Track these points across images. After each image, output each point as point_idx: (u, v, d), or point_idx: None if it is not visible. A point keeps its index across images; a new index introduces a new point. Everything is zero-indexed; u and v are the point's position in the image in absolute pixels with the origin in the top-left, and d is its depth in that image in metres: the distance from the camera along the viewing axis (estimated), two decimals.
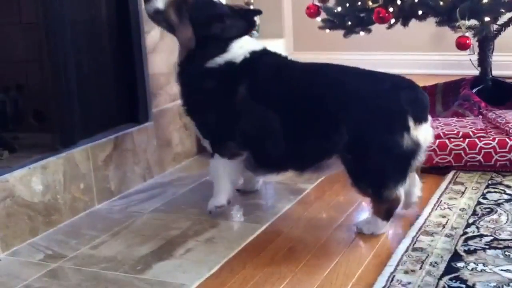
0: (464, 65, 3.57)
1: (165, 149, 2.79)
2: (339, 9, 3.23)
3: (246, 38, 2.23)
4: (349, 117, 2.02)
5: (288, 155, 2.16)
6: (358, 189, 2.09)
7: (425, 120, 2.06)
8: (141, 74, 2.67)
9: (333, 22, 3.28)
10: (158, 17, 2.24)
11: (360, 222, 2.13)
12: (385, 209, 2.07)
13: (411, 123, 2.00)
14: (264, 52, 2.25)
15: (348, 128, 2.02)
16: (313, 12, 3.37)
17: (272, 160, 2.23)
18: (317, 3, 3.35)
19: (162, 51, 2.76)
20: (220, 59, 2.19)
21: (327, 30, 3.34)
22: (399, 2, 2.99)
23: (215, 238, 2.11)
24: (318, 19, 3.38)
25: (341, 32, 3.31)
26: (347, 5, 3.19)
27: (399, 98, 2.02)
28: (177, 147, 2.87)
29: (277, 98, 2.14)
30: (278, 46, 4.72)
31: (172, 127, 2.84)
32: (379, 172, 2.04)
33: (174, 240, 2.10)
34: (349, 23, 3.19)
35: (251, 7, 4.51)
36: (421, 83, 2.30)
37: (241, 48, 2.19)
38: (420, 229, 2.07)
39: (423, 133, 2.04)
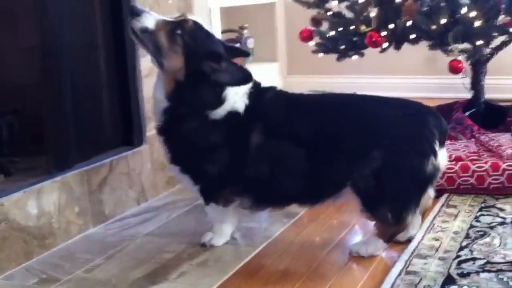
0: (457, 88, 3.60)
1: (159, 173, 2.80)
2: (332, 33, 3.26)
3: None
4: (381, 142, 2.01)
5: (304, 190, 2.11)
6: (375, 214, 2.07)
7: (444, 144, 2.10)
8: (136, 97, 2.69)
9: (326, 46, 3.31)
10: (144, 36, 2.01)
11: (356, 244, 2.14)
12: (392, 232, 2.09)
13: (437, 147, 2.04)
14: (260, 90, 2.12)
15: (380, 154, 2.00)
16: (306, 36, 3.40)
17: (281, 198, 2.17)
18: (310, 27, 3.39)
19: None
20: (222, 110, 2.04)
21: (321, 54, 3.37)
22: (391, 26, 3.02)
23: (208, 261, 2.11)
24: (312, 43, 3.42)
25: (334, 56, 3.34)
26: (340, 29, 3.22)
27: (428, 123, 2.04)
28: None
29: (300, 133, 2.06)
30: (272, 70, 4.76)
31: None
32: (404, 197, 2.04)
33: (168, 264, 2.10)
34: (342, 47, 3.22)
35: (245, 31, 4.56)
36: None
37: (236, 93, 2.05)
38: (413, 252, 2.08)
39: (443, 157, 2.08)
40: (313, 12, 3.39)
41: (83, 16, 2.47)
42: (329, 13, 3.31)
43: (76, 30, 2.43)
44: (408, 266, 1.98)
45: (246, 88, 2.07)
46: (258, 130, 2.06)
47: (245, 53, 2.29)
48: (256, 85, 2.12)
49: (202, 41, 2.02)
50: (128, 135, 2.69)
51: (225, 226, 2.23)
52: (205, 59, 2.00)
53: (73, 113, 2.38)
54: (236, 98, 2.05)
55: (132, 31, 2.03)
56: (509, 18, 2.79)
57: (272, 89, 2.16)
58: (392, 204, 2.04)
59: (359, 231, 2.31)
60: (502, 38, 3.16)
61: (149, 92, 2.70)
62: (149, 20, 2.00)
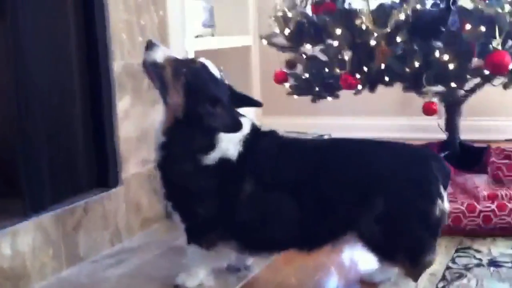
0: (432, 129, 3.64)
1: (134, 214, 2.77)
2: (307, 75, 3.29)
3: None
4: (384, 188, 1.99)
5: (297, 238, 2.08)
6: (392, 261, 2.05)
7: (447, 187, 2.10)
8: (112, 138, 2.67)
9: (301, 88, 3.33)
10: (153, 69, 2.06)
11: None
12: (419, 273, 2.07)
13: (442, 190, 2.04)
14: (257, 135, 2.11)
15: (384, 200, 1.98)
16: (281, 78, 3.42)
17: (273, 244, 2.14)
18: (285, 70, 3.42)
19: (133, 117, 2.78)
20: (213, 156, 2.03)
21: (295, 96, 3.39)
22: (365, 69, 3.05)
23: None
24: (286, 85, 3.44)
25: (309, 97, 3.36)
26: (314, 71, 3.25)
27: (432, 167, 2.04)
28: (146, 211, 2.85)
29: (293, 182, 2.05)
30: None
31: (142, 191, 2.83)
32: (417, 242, 2.03)
33: None
34: (317, 89, 3.24)
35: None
36: None
37: (230, 140, 2.04)
38: None
39: (447, 200, 2.08)
40: (288, 55, 3.42)
41: (59, 58, 2.46)
42: (303, 56, 3.34)
43: (51, 71, 2.41)
44: None
45: (241, 135, 2.06)
46: (250, 179, 2.04)
47: (257, 103, 2.26)
48: (254, 130, 2.11)
49: (204, 83, 2.03)
50: (104, 176, 2.66)
51: (201, 269, 2.19)
52: (202, 101, 2.01)
53: (48, 154, 2.35)
54: (229, 145, 2.04)
55: (143, 63, 2.08)
56: (482, 61, 2.83)
57: (270, 134, 2.15)
58: (407, 251, 2.02)
59: (335, 272, 2.29)
60: (476, 81, 3.21)
61: (125, 133, 2.71)
62: (160, 55, 2.05)
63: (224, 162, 2.03)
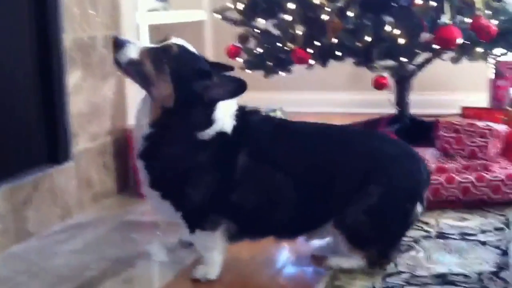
0: (382, 104, 3.67)
1: (85, 189, 2.73)
2: (259, 50, 3.28)
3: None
4: (382, 180, 1.98)
5: (288, 220, 2.03)
6: (362, 251, 2.03)
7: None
8: (62, 113, 2.62)
9: (254, 63, 3.32)
10: (132, 68, 1.93)
11: (336, 258, 2.09)
12: (385, 265, 2.06)
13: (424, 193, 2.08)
14: (245, 112, 2.04)
15: (377, 191, 1.97)
16: (233, 53, 3.40)
17: (262, 228, 2.07)
18: (237, 44, 3.40)
19: (83, 92, 2.72)
20: (211, 131, 1.95)
21: (248, 71, 3.37)
22: (317, 44, 3.05)
23: (134, 278, 2.07)
24: (239, 59, 3.42)
25: (262, 72, 3.35)
26: (267, 46, 3.24)
27: (422, 167, 2.08)
28: (97, 186, 2.82)
29: (290, 161, 2.00)
30: None
31: (93, 166, 2.79)
32: (393, 238, 2.06)
33: (91, 281, 2.04)
34: (270, 63, 3.23)
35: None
36: (340, 121, 2.34)
37: (224, 115, 1.97)
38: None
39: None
40: (241, 29, 3.40)
41: (8, 32, 2.39)
42: (256, 31, 3.33)
43: (1, 43, 2.35)
44: (334, 281, 1.98)
45: (233, 109, 2.00)
46: (244, 152, 1.98)
47: (230, 68, 2.14)
48: (241, 107, 2.04)
49: (189, 64, 1.93)
50: (54, 151, 2.61)
51: (216, 253, 2.05)
52: (195, 79, 1.91)
53: None
54: (226, 119, 1.97)
55: (117, 64, 1.95)
56: (431, 35, 2.86)
57: (257, 112, 2.09)
58: (383, 245, 2.03)
59: (287, 246, 2.30)
60: (425, 55, 3.24)
61: (75, 108, 2.66)
62: (133, 51, 1.91)
63: (220, 135, 1.96)
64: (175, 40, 1.97)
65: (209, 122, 1.94)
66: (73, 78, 2.66)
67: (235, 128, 1.98)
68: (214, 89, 1.91)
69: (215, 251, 2.04)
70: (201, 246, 2.06)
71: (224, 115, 1.97)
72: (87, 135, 2.75)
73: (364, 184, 1.98)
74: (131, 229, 2.50)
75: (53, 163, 2.59)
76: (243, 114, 2.02)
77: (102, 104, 2.85)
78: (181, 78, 1.90)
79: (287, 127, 2.11)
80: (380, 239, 2.03)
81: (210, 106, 1.94)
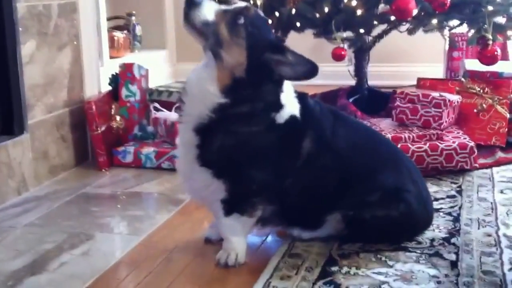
0: (341, 75, 3.67)
1: (42, 162, 2.67)
2: None
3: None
4: (407, 186, 1.98)
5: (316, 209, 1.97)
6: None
7: None
8: (17, 85, 2.54)
9: None
10: (206, 30, 1.77)
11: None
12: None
13: None
14: (300, 95, 1.93)
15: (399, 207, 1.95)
16: None
17: (296, 214, 1.98)
18: None
19: (38, 62, 2.64)
20: (284, 113, 1.84)
21: None
22: (277, 14, 3.02)
23: (91, 251, 2.03)
24: None
25: None
26: None
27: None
28: (54, 159, 2.75)
29: (344, 150, 1.95)
30: (161, 57, 4.68)
31: (49, 139, 2.72)
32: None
33: (48, 254, 2.00)
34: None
35: (133, 18, 4.45)
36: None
37: (290, 97, 1.87)
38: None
39: None
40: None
41: None
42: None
43: None
44: (291, 249, 1.98)
45: (292, 91, 1.89)
46: (311, 138, 1.90)
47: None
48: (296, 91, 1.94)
49: (265, 32, 1.80)
50: (8, 123, 2.54)
51: (241, 239, 1.93)
52: (268, 51, 1.77)
53: None
54: (292, 102, 1.87)
55: (191, 23, 1.78)
56: (388, 7, 2.85)
57: (307, 96, 1.98)
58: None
59: None
60: (382, 27, 3.24)
61: (30, 79, 2.59)
62: (210, 11, 1.77)
63: (292, 119, 1.86)
64: (244, 3, 1.86)
65: (280, 103, 1.84)
66: (27, 48, 2.58)
67: (301, 112, 1.88)
68: (286, 66, 1.79)
69: (241, 237, 1.93)
70: (231, 230, 1.91)
71: (290, 98, 1.87)
72: (43, 106, 2.68)
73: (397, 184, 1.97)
74: (89, 202, 2.46)
75: (8, 136, 2.52)
76: (299, 97, 1.92)
77: (58, 74, 2.78)
78: (256, 45, 1.77)
79: (340, 115, 2.04)
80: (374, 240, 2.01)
81: (279, 85, 1.83)
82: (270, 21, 1.88)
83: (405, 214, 1.95)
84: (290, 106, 1.87)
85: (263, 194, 1.89)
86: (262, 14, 1.88)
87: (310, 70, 1.79)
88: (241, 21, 1.77)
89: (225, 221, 1.91)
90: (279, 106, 1.84)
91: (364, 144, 2.01)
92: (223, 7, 1.83)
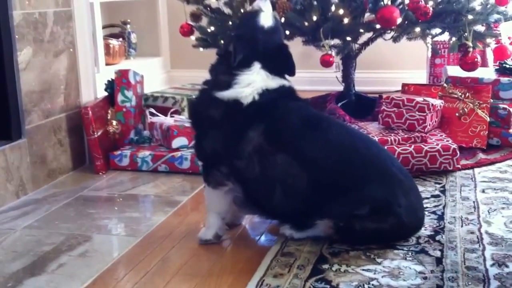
0: (330, 81, 3.68)
1: (40, 166, 2.65)
2: (212, 28, 3.23)
3: (258, 71, 2.00)
4: (398, 200, 1.94)
5: (287, 206, 1.98)
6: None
7: None
8: (14, 91, 2.53)
9: (207, 41, 3.27)
10: None
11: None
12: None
13: None
14: (282, 94, 2.02)
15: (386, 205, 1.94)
16: (186, 31, 3.35)
17: (264, 205, 2.02)
18: (190, 22, 3.34)
19: (35, 69, 2.63)
20: (229, 93, 1.98)
21: (201, 49, 3.32)
22: None
23: (88, 252, 2.02)
24: (193, 37, 3.37)
25: (215, 50, 3.30)
26: (219, 24, 3.19)
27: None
28: (52, 163, 2.74)
29: (306, 151, 1.95)
30: (155, 64, 4.67)
31: (47, 143, 2.71)
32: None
33: (46, 256, 1.99)
34: (222, 42, 3.19)
35: (128, 26, 4.44)
36: None
37: (249, 85, 1.98)
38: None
39: None
40: (193, 7, 3.34)
41: None
42: (208, 9, 3.27)
43: None
44: (284, 248, 1.98)
45: (262, 85, 1.99)
46: (256, 128, 1.95)
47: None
48: (284, 91, 2.04)
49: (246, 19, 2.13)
50: (6, 129, 2.52)
51: (212, 214, 2.05)
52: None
53: None
54: (246, 90, 1.97)
55: None
56: (373, 16, 2.86)
57: (300, 103, 2.07)
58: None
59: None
60: (368, 35, 3.25)
61: (27, 85, 2.57)
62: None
63: (235, 102, 1.97)
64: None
65: (228, 84, 1.99)
66: (24, 55, 2.56)
67: (253, 103, 1.97)
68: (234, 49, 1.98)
69: (214, 213, 2.05)
70: (206, 203, 2.09)
71: (249, 87, 1.98)
72: (40, 112, 2.67)
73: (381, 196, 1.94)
74: (87, 205, 2.45)
75: (6, 140, 2.50)
76: (279, 95, 2.00)
77: (54, 81, 2.76)
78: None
79: (325, 125, 2.03)
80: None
81: (237, 67, 1.98)
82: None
83: (395, 225, 1.95)
84: (239, 92, 1.97)
85: (217, 167, 2.00)
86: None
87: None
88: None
89: (205, 194, 2.08)
90: (224, 87, 1.99)
91: (346, 155, 1.97)
92: None
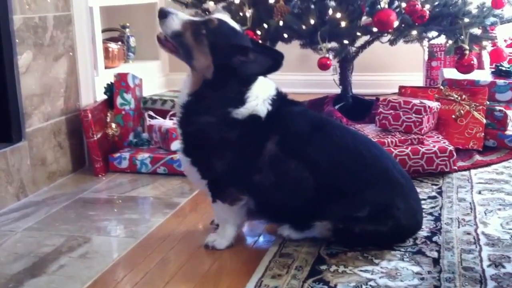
0: (327, 84, 3.68)
1: (39, 168, 2.65)
2: None
3: (261, 80, 1.97)
4: (397, 203, 1.95)
5: (298, 212, 1.98)
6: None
7: None
8: (14, 94, 2.53)
9: None
10: (177, 40, 1.90)
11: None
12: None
13: None
14: (285, 101, 2.01)
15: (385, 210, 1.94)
16: None
17: (277, 212, 2.03)
18: None
19: (35, 72, 2.63)
20: (244, 110, 1.92)
21: None
22: (265, 26, 3.03)
23: (88, 253, 2.02)
24: None
25: None
26: None
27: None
28: (52, 165, 2.74)
29: (315, 157, 1.94)
30: (154, 68, 4.68)
31: (47, 146, 2.71)
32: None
33: (47, 257, 1.99)
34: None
35: (127, 30, 4.45)
36: None
37: (259, 98, 1.94)
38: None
39: None
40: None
41: None
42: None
43: None
44: (282, 249, 1.98)
45: (268, 94, 1.96)
46: (274, 139, 1.94)
47: (281, 55, 1.98)
48: (280, 94, 2.01)
49: (227, 38, 1.90)
50: (6, 131, 2.52)
51: (229, 227, 2.03)
52: (232, 54, 1.88)
53: None
54: (259, 102, 1.94)
55: (164, 38, 1.93)
56: (370, 19, 2.87)
57: (299, 104, 2.07)
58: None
59: None
60: (365, 38, 3.26)
61: (27, 89, 2.58)
62: (175, 23, 1.90)
63: (252, 118, 1.93)
64: (219, 15, 1.95)
65: (241, 100, 1.92)
66: (24, 58, 2.57)
67: (269, 114, 1.94)
68: (250, 64, 1.89)
69: (229, 224, 2.03)
70: (219, 216, 2.08)
71: (259, 98, 1.94)
72: (40, 115, 2.67)
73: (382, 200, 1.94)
74: (86, 207, 2.45)
75: (6, 143, 2.50)
76: (282, 101, 1.99)
77: (54, 84, 2.77)
78: (219, 51, 1.88)
79: (327, 128, 2.03)
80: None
81: (246, 83, 1.92)
82: (239, 29, 1.96)
83: (394, 228, 1.95)
84: (254, 106, 1.93)
85: (234, 184, 1.97)
86: (230, 24, 1.95)
87: (272, 64, 1.89)
88: (203, 31, 1.88)
89: (215, 207, 2.05)
90: (238, 103, 1.92)
91: (350, 158, 1.98)
92: (189, 18, 1.95)
